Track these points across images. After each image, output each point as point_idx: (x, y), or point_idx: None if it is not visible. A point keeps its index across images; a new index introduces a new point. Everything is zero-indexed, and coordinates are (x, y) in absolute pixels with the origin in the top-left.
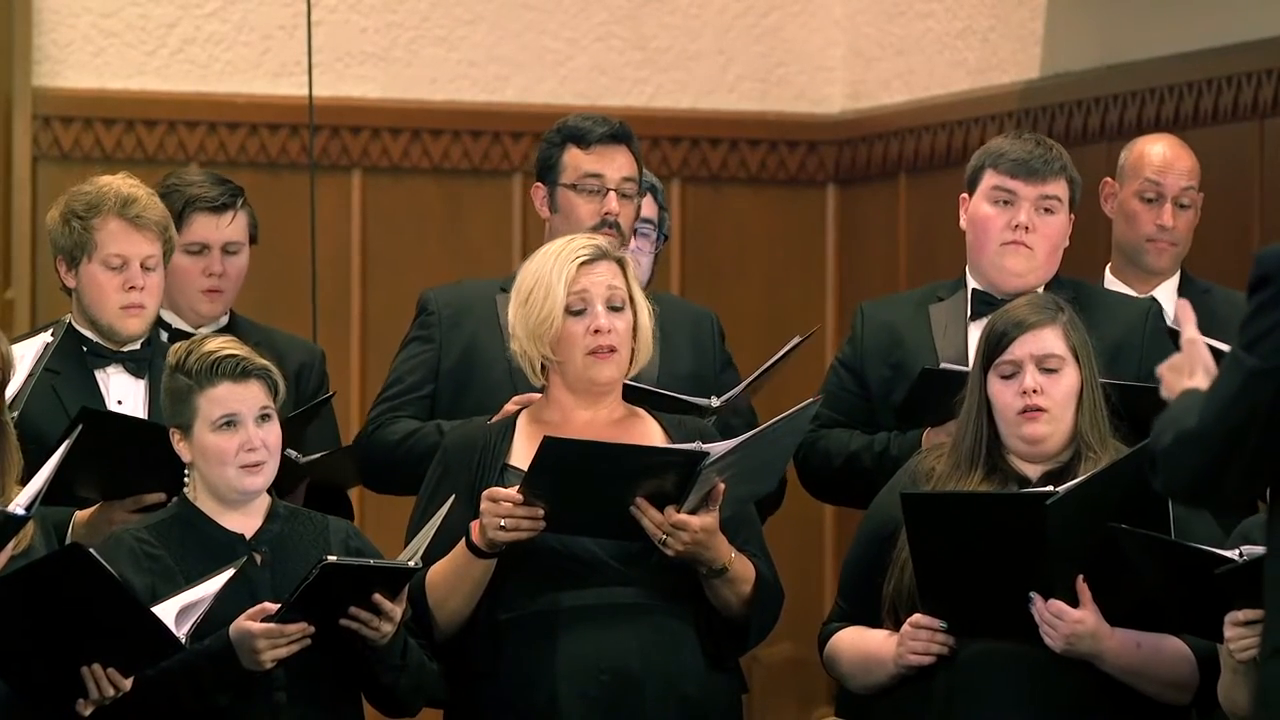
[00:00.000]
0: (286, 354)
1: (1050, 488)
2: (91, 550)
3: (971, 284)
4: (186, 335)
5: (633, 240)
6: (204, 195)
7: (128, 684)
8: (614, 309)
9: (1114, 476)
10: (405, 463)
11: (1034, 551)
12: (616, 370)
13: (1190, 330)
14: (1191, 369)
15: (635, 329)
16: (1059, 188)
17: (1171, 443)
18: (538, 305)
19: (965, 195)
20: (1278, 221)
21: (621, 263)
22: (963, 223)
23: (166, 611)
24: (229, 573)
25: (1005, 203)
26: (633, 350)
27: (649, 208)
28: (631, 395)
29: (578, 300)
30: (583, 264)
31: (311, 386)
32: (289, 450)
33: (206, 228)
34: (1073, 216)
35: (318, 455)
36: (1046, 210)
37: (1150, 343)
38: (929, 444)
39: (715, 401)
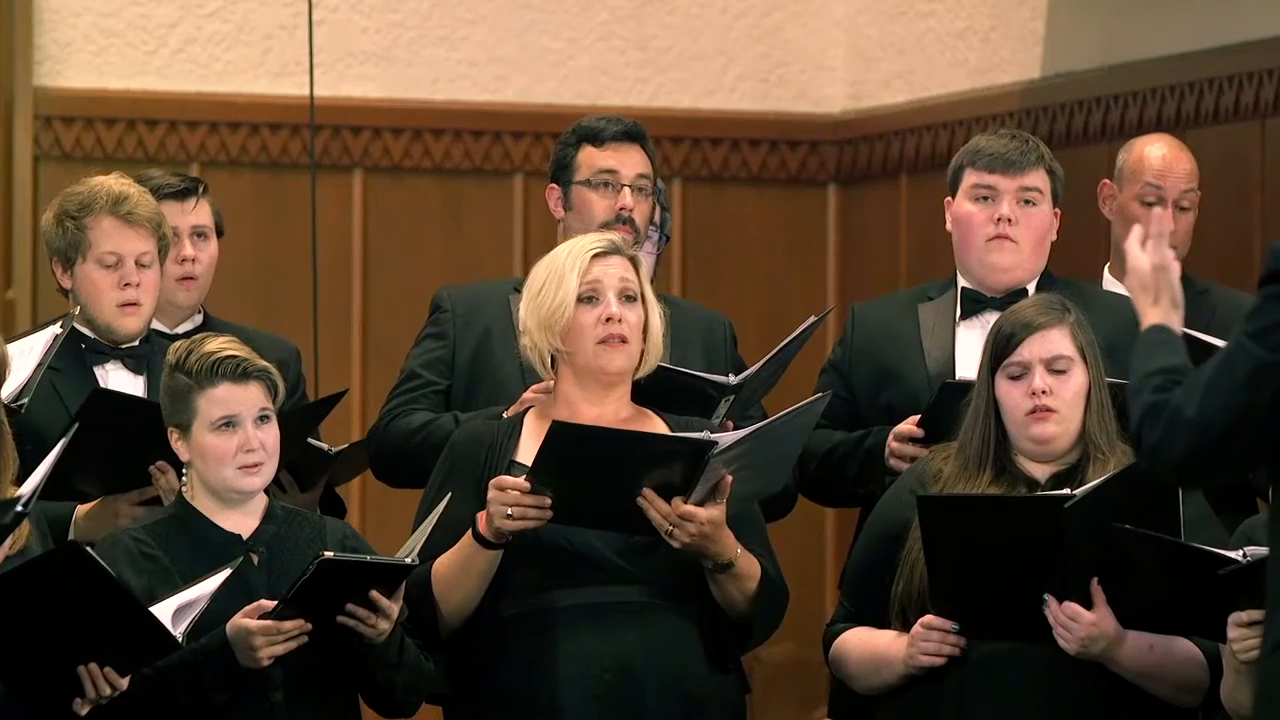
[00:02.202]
0: (263, 352)
1: (1067, 490)
2: (89, 549)
3: (961, 283)
4: (165, 336)
5: None
6: (166, 184)
7: (124, 683)
8: (627, 300)
9: (1129, 479)
10: (420, 452)
11: (1049, 554)
12: (626, 360)
13: (1159, 255)
14: (1158, 294)
15: (646, 328)
16: (1038, 179)
17: (1167, 422)
18: (550, 295)
19: (949, 199)
20: (1278, 221)
21: (635, 261)
22: (948, 225)
23: (163, 610)
24: (225, 573)
25: (986, 199)
26: (642, 351)
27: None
28: (650, 374)
29: (590, 290)
30: (596, 255)
31: (288, 385)
32: (319, 443)
33: (173, 213)
34: (1057, 210)
35: (345, 446)
36: (1028, 202)
37: None
38: (895, 438)
39: (733, 379)
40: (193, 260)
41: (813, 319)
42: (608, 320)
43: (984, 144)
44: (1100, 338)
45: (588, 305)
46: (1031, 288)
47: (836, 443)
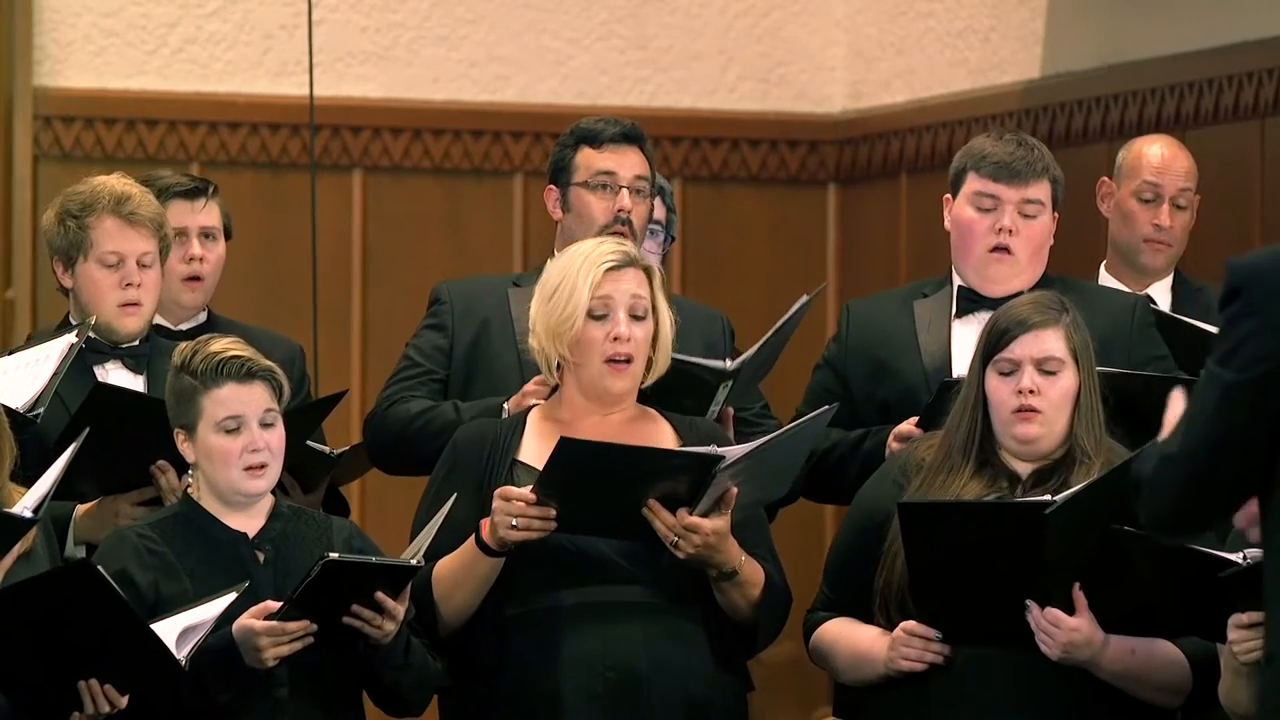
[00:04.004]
0: (267, 352)
1: (1048, 496)
2: (99, 568)
3: (957, 281)
4: (169, 332)
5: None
6: (177, 183)
7: (123, 701)
8: (636, 318)
9: (1110, 484)
10: (420, 439)
11: (1031, 560)
12: (630, 383)
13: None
14: None
15: (656, 338)
16: (1041, 190)
17: (1155, 467)
18: (561, 304)
19: (949, 196)
20: (1278, 221)
21: (649, 271)
22: (947, 223)
23: (168, 631)
24: (231, 596)
25: (988, 209)
26: (650, 360)
27: (658, 209)
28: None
29: (600, 305)
30: (610, 269)
31: (293, 383)
32: (320, 446)
33: (182, 213)
34: (1056, 215)
35: (346, 448)
36: (1029, 215)
37: (1138, 336)
38: (895, 438)
39: (730, 364)
40: (200, 260)
41: (804, 298)
42: (615, 339)
43: (989, 149)
44: (1096, 332)
45: (597, 321)
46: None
47: (834, 442)
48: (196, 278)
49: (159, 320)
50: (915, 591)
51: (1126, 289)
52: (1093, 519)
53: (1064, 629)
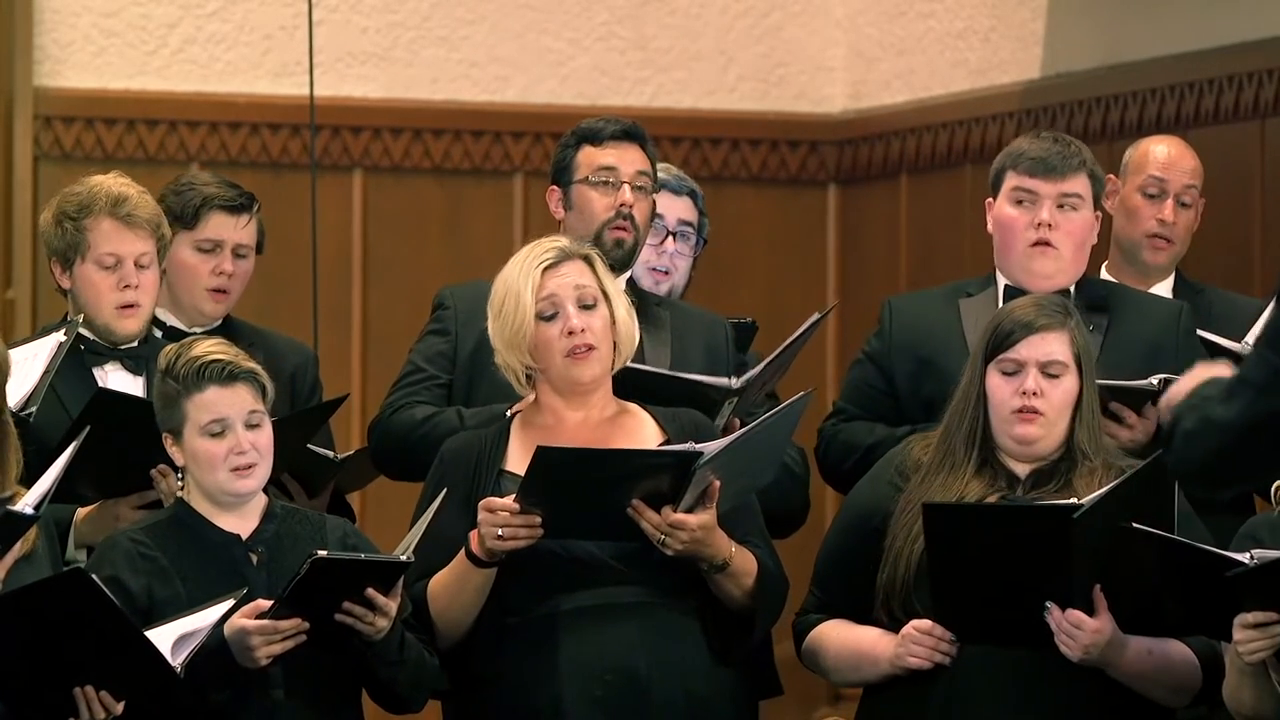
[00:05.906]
0: (282, 355)
1: (1074, 500)
2: (93, 576)
3: (1003, 281)
4: (182, 334)
5: (672, 244)
6: (222, 195)
7: (119, 708)
8: (586, 307)
9: (1132, 487)
10: (423, 446)
11: (1057, 562)
12: (598, 367)
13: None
14: None
15: (614, 323)
16: (1079, 184)
17: (1195, 426)
18: (510, 316)
19: (990, 200)
20: (1278, 221)
21: (589, 260)
22: (989, 226)
23: (164, 638)
24: (228, 603)
25: (1026, 203)
26: (615, 345)
27: (689, 212)
28: (646, 379)
29: (547, 305)
30: (547, 268)
31: (306, 388)
32: (324, 450)
33: (223, 227)
34: (1098, 214)
35: (351, 453)
36: (1069, 207)
37: (1183, 342)
38: None
39: (735, 382)
40: (229, 275)
41: (816, 316)
42: (570, 334)
43: (1026, 147)
44: (1137, 338)
45: (548, 322)
46: (1071, 290)
47: (879, 439)
48: (224, 290)
49: (173, 322)
50: (935, 594)
51: None
52: (1112, 520)
53: (1086, 630)
